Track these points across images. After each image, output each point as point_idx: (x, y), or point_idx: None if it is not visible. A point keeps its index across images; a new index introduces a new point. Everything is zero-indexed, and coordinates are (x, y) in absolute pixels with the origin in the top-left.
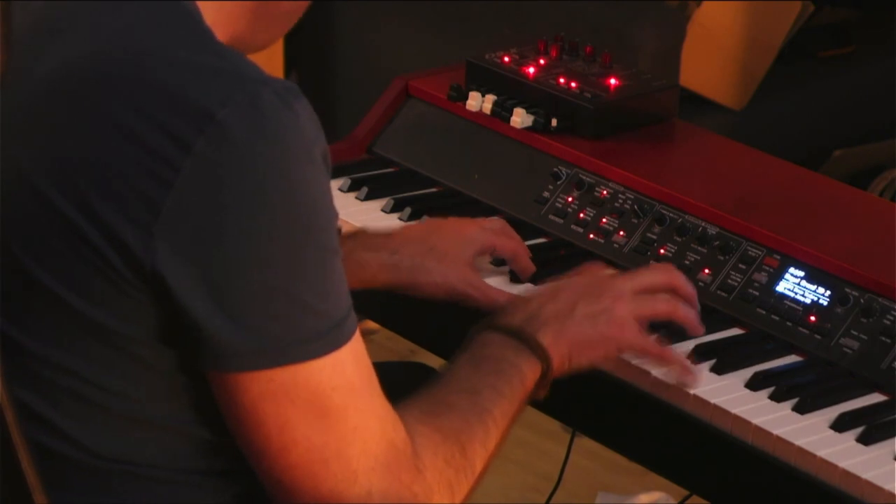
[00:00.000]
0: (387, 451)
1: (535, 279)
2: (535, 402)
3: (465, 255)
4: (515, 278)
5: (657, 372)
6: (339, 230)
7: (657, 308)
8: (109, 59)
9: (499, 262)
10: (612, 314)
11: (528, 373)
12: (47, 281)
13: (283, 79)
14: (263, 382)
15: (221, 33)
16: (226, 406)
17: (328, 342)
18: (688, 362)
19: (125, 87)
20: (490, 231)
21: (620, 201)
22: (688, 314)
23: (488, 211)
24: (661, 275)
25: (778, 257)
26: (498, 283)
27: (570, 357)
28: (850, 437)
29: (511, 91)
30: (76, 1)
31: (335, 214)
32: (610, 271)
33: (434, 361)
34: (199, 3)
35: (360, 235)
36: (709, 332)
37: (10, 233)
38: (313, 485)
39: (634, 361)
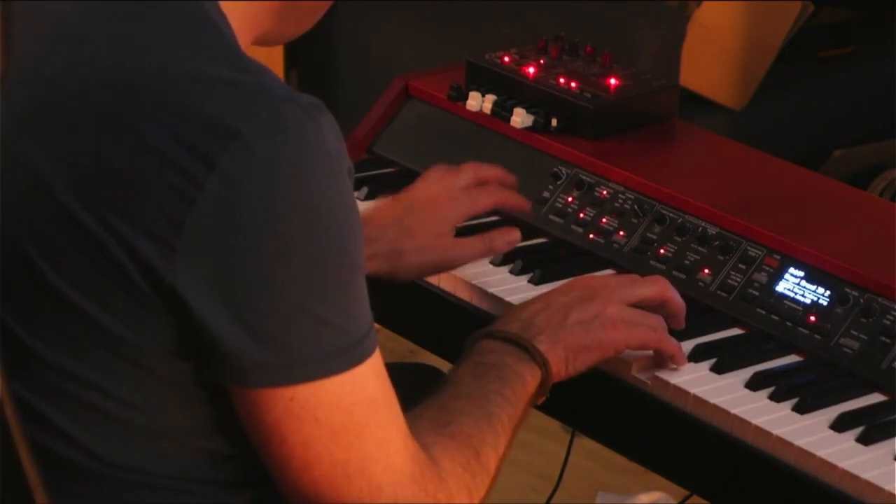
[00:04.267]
0: (411, 463)
1: (536, 280)
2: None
3: (442, 229)
4: (515, 270)
5: (659, 371)
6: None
7: (645, 294)
8: (134, 72)
9: (502, 260)
10: (605, 318)
11: (529, 378)
12: (65, 290)
13: (307, 95)
14: (286, 400)
15: (248, 33)
16: (247, 421)
17: (350, 358)
18: (680, 349)
19: (149, 101)
20: (465, 197)
21: (620, 201)
22: (670, 348)
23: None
24: (652, 287)
25: (778, 257)
26: (499, 280)
27: (566, 362)
28: (850, 437)
29: (511, 91)
30: (99, 1)
31: (360, 230)
32: (601, 280)
33: (434, 361)
34: (222, 5)
35: None
36: (709, 332)
37: (27, 239)
38: (338, 500)
39: (632, 359)
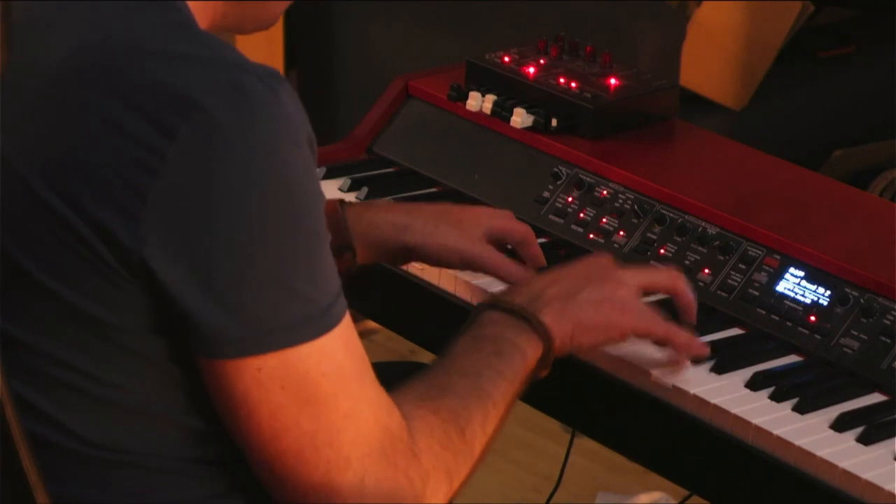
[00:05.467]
0: (381, 436)
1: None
2: (534, 402)
3: (477, 230)
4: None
5: (657, 371)
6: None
7: (658, 281)
8: (92, 53)
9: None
10: (616, 300)
11: (529, 352)
12: (38, 273)
13: (265, 65)
14: (253, 370)
15: (204, 17)
16: (217, 394)
17: (317, 327)
18: (693, 337)
19: (108, 78)
20: (501, 216)
21: (620, 201)
22: (680, 339)
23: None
24: (666, 276)
25: (778, 257)
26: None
27: (572, 337)
28: (850, 437)
29: (511, 91)
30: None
31: (322, 199)
32: (615, 262)
33: None
34: (188, 3)
35: (374, 201)
36: (709, 331)
37: (1, 226)
38: (305, 472)
39: (634, 361)
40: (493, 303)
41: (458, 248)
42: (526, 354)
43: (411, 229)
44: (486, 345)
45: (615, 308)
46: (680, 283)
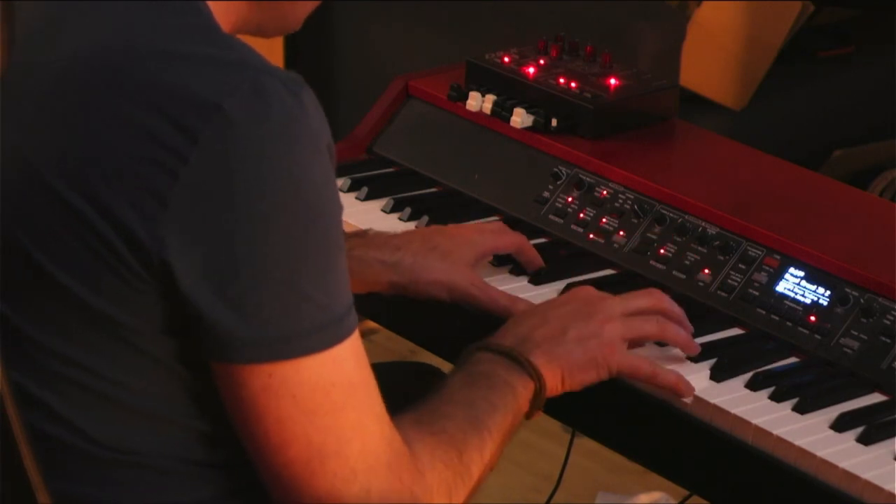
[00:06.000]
0: (387, 451)
1: (535, 279)
2: None
3: (467, 256)
4: (516, 271)
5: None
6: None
7: (646, 329)
8: (115, 53)
9: (499, 261)
10: (602, 337)
11: (521, 390)
12: (55, 272)
13: (287, 70)
14: (264, 376)
15: (226, 19)
16: (227, 398)
17: (329, 337)
18: (680, 376)
19: (131, 80)
20: (490, 233)
21: (620, 201)
22: (677, 334)
23: (488, 211)
24: (648, 299)
25: (778, 257)
26: (499, 280)
27: (562, 380)
28: (850, 437)
29: (511, 91)
30: None
31: (340, 208)
32: (599, 293)
33: (434, 361)
34: (209, 3)
35: (362, 235)
36: (709, 332)
37: (17, 224)
38: (311, 482)
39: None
40: (484, 345)
41: (447, 283)
42: (517, 392)
43: (400, 267)
44: (479, 380)
45: (603, 346)
46: (663, 302)
